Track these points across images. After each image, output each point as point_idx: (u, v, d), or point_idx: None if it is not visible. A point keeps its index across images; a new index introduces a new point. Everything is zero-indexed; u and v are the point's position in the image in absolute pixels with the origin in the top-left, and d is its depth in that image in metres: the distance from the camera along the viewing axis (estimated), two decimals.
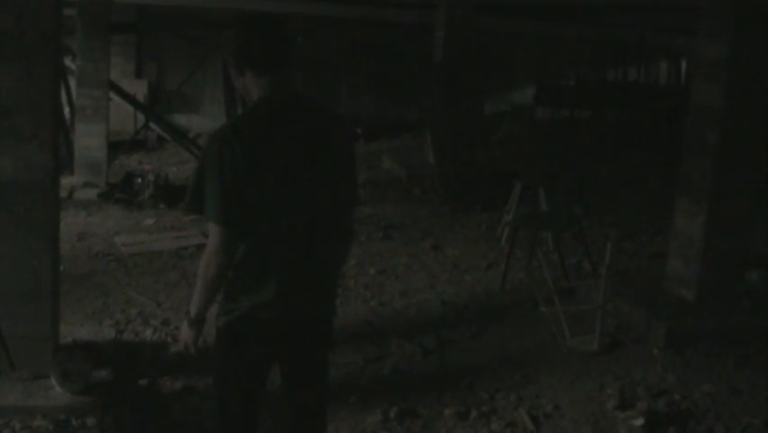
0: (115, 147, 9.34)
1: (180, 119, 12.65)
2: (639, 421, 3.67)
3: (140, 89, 12.12)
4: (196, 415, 3.62)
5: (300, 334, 2.51)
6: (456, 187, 8.35)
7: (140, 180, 8.01)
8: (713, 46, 4.81)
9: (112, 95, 8.94)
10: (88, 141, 8.33)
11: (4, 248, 3.59)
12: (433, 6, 9.81)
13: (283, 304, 2.40)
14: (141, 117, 10.82)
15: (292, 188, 2.35)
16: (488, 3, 10.82)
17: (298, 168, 2.35)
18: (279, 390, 2.65)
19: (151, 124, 10.80)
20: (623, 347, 4.63)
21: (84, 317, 4.76)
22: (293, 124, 2.37)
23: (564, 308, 4.81)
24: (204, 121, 12.87)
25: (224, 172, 2.26)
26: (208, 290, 2.39)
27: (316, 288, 2.50)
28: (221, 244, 2.31)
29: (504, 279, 5.67)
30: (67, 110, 9.18)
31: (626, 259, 6.40)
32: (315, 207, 2.41)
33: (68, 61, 9.82)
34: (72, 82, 9.01)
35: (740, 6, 4.68)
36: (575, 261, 6.19)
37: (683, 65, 15.01)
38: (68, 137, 8.71)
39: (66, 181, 7.73)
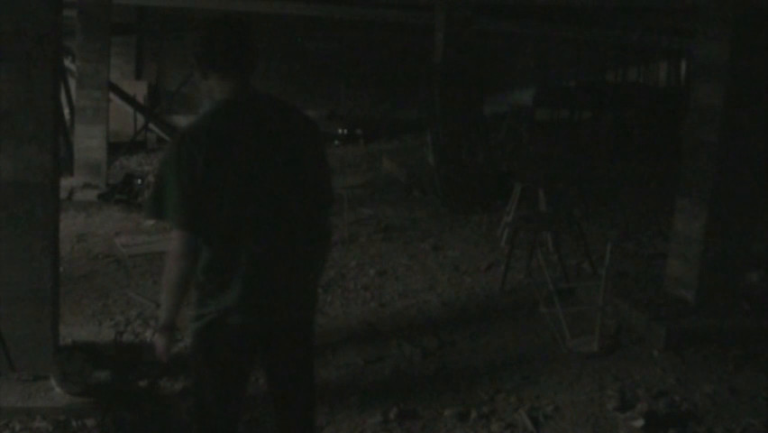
0: (115, 148, 9.35)
1: (180, 120, 12.63)
2: (639, 422, 3.67)
3: (140, 90, 12.12)
4: None
5: (274, 338, 2.46)
6: (456, 188, 8.35)
7: (140, 181, 8.01)
8: (713, 46, 4.81)
9: (112, 96, 8.96)
10: (88, 142, 8.34)
11: (4, 249, 3.59)
12: (433, 7, 9.80)
13: (249, 308, 2.36)
14: (140, 118, 10.83)
15: (256, 190, 2.31)
16: (487, 4, 10.81)
17: (262, 168, 2.32)
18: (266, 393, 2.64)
19: (151, 126, 10.81)
20: (623, 348, 4.63)
21: (84, 319, 4.76)
22: (255, 124, 2.34)
23: (564, 309, 4.81)
24: None
25: (183, 175, 2.23)
26: (173, 295, 2.35)
27: (288, 291, 2.43)
28: (182, 248, 2.28)
29: (504, 280, 5.67)
30: (67, 111, 9.18)
31: (625, 260, 6.40)
32: (283, 207, 2.36)
33: (67, 62, 9.83)
34: (72, 83, 9.01)
35: (739, 6, 4.68)
36: (575, 262, 6.19)
37: (683, 66, 15.03)
38: (67, 138, 8.72)
39: (66, 182, 7.73)
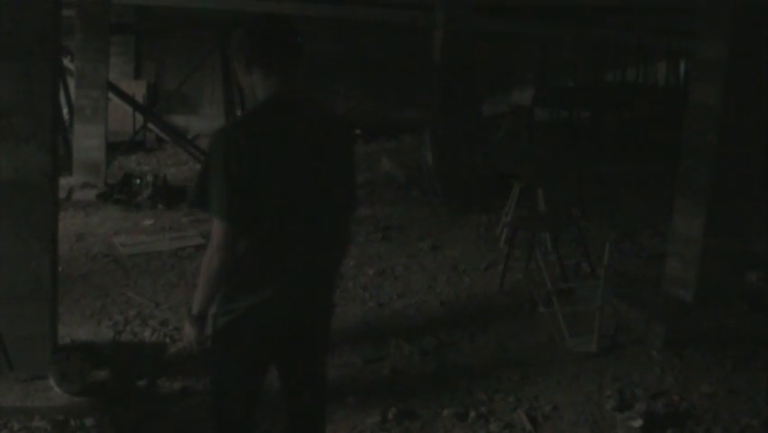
0: (114, 148, 9.33)
1: (179, 120, 12.65)
2: (638, 422, 3.67)
3: (138, 90, 12.11)
4: (194, 416, 3.62)
5: (298, 334, 2.50)
6: (455, 188, 8.35)
7: (138, 181, 8.00)
8: (712, 46, 4.81)
9: (111, 95, 8.93)
10: (87, 141, 8.32)
11: (2, 249, 3.59)
12: (432, 7, 9.80)
13: (282, 303, 2.40)
14: (139, 118, 10.81)
15: (296, 187, 2.35)
16: (487, 4, 10.81)
17: (303, 166, 2.36)
18: (278, 391, 2.65)
19: (150, 125, 10.80)
20: (621, 348, 4.63)
21: (82, 318, 4.75)
22: (298, 123, 2.38)
23: (563, 309, 4.81)
24: (202, 122, 12.86)
25: (230, 168, 2.26)
26: (211, 287, 2.38)
27: (315, 288, 2.50)
28: (224, 239, 2.30)
29: (502, 280, 5.67)
30: (65, 111, 9.17)
31: (624, 260, 6.40)
32: (317, 206, 2.41)
33: (66, 62, 9.82)
34: (71, 83, 9.00)
35: (738, 6, 4.68)
36: (574, 261, 6.19)
37: (682, 65, 15.03)
38: (66, 138, 8.71)
39: (64, 182, 7.72)
